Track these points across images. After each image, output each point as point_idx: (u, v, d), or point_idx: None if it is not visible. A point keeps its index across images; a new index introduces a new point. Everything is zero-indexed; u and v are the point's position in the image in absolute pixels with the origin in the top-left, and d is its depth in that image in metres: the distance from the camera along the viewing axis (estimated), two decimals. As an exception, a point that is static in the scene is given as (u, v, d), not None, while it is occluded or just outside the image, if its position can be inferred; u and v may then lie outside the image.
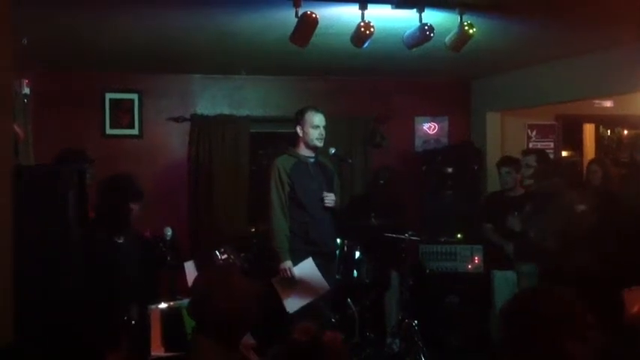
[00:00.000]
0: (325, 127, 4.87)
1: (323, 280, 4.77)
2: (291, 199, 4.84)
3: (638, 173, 5.21)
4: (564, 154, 7.86)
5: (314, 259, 4.80)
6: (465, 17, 4.11)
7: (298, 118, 4.87)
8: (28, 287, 2.53)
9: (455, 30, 4.17)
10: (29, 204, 2.67)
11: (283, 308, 4.76)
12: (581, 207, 5.04)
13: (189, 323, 3.75)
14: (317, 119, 4.82)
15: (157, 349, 3.64)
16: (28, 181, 2.69)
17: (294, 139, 4.97)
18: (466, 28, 4.11)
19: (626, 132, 8.16)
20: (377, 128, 7.19)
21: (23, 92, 5.14)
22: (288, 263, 4.76)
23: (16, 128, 3.74)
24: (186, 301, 4.04)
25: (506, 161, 6.04)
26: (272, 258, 4.91)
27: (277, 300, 4.78)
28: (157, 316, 4.05)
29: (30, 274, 2.61)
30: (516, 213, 5.31)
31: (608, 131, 8.31)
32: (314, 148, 4.90)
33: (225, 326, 2.53)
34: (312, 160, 4.92)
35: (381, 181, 6.41)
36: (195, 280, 2.79)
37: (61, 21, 4.50)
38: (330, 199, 4.86)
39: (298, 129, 4.87)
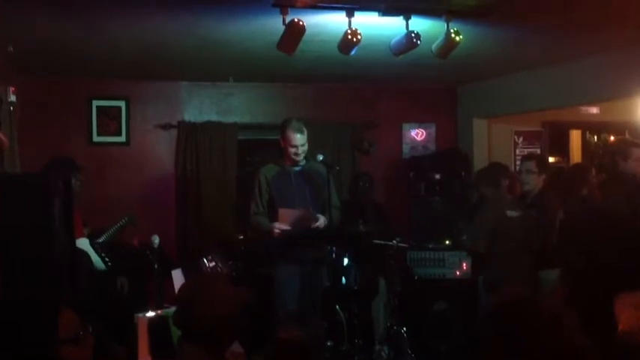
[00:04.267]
0: (304, 144, 4.90)
1: (305, 209, 4.85)
2: (270, 207, 4.92)
3: (619, 179, 5.21)
4: (551, 159, 7.90)
5: (300, 266, 4.85)
6: (451, 25, 4.13)
7: (281, 131, 4.93)
8: (12, 294, 2.51)
9: (441, 37, 4.20)
10: (14, 212, 2.65)
11: (271, 317, 4.76)
12: (514, 213, 5.06)
13: (177, 331, 3.73)
14: (295, 139, 4.86)
15: (144, 358, 3.63)
16: (13, 189, 2.67)
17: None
18: (452, 35, 4.13)
19: (612, 138, 8.21)
20: (364, 135, 7.21)
21: (9, 100, 5.11)
22: (274, 224, 4.84)
23: (2, 136, 3.72)
24: (173, 309, 4.03)
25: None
26: (260, 264, 4.91)
27: (265, 308, 4.77)
28: (144, 324, 4.04)
29: (15, 282, 2.58)
30: None
31: (595, 137, 8.36)
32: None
33: (209, 334, 2.51)
34: (297, 169, 4.96)
35: (366, 184, 6.42)
36: (180, 288, 2.78)
37: (47, 28, 4.48)
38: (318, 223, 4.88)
39: (281, 141, 4.95)
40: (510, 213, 5.07)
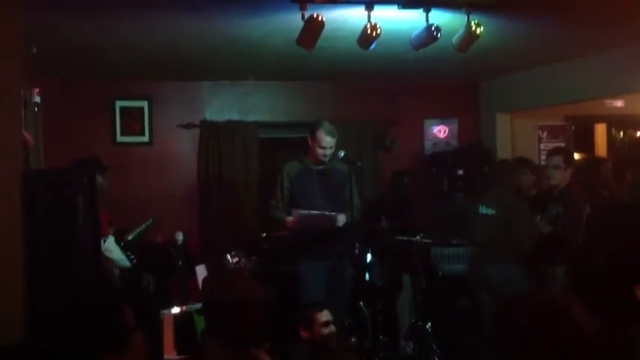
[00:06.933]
0: (333, 147, 4.93)
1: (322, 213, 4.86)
2: (290, 203, 4.96)
3: None
4: (576, 156, 7.80)
5: (325, 262, 4.87)
6: (471, 17, 4.10)
7: (312, 130, 4.95)
8: (38, 290, 2.54)
9: (462, 30, 4.16)
10: (39, 209, 2.68)
11: (293, 309, 4.77)
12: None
13: (201, 325, 3.76)
14: (326, 141, 4.89)
15: (169, 353, 3.66)
16: (38, 186, 2.71)
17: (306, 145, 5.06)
18: (473, 27, 4.09)
19: (639, 134, 8.09)
20: (385, 132, 7.19)
21: (34, 101, 5.16)
22: (288, 217, 4.91)
23: (26, 135, 3.77)
24: (198, 305, 4.07)
25: (523, 162, 5.99)
26: (283, 261, 4.92)
27: (287, 305, 4.78)
28: (169, 320, 4.08)
29: (41, 277, 2.62)
30: (539, 216, 5.20)
31: (621, 133, 8.23)
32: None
33: (231, 328, 2.53)
34: (319, 167, 4.98)
35: (406, 181, 6.45)
36: (203, 281, 2.80)
37: (70, 30, 4.54)
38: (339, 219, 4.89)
39: (309, 139, 4.96)
40: (483, 210, 5.25)
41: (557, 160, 5.22)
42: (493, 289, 5.09)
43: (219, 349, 2.55)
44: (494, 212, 5.21)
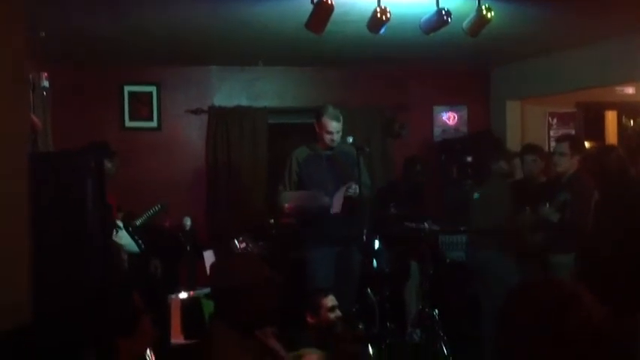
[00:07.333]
0: (339, 132, 4.91)
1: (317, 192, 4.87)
2: (299, 188, 4.94)
3: None
4: (587, 143, 7.72)
5: (333, 247, 4.85)
6: (482, 1, 4.06)
7: (317, 116, 4.94)
8: (46, 274, 2.54)
9: (472, 14, 4.12)
10: (47, 192, 2.67)
11: (300, 295, 4.77)
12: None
13: (209, 310, 3.77)
14: (331, 126, 4.88)
15: (176, 337, 3.66)
16: (46, 169, 2.70)
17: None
18: (484, 12, 4.06)
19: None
20: (394, 118, 7.16)
21: (42, 85, 5.16)
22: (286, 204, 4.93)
23: (35, 119, 3.76)
24: (205, 290, 4.08)
25: (532, 149, 5.96)
26: (291, 248, 4.91)
27: (295, 287, 4.77)
28: (177, 305, 4.09)
29: (48, 261, 2.61)
30: (547, 204, 5.17)
31: (631, 121, 8.15)
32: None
33: (239, 312, 2.52)
34: (328, 153, 4.96)
35: (418, 167, 6.46)
36: (211, 267, 2.80)
37: (78, 15, 4.52)
38: (351, 189, 4.87)
39: (316, 126, 4.96)
40: (476, 195, 5.44)
41: (564, 147, 5.19)
42: (484, 276, 5.15)
43: (227, 333, 2.55)
44: (478, 197, 5.36)
